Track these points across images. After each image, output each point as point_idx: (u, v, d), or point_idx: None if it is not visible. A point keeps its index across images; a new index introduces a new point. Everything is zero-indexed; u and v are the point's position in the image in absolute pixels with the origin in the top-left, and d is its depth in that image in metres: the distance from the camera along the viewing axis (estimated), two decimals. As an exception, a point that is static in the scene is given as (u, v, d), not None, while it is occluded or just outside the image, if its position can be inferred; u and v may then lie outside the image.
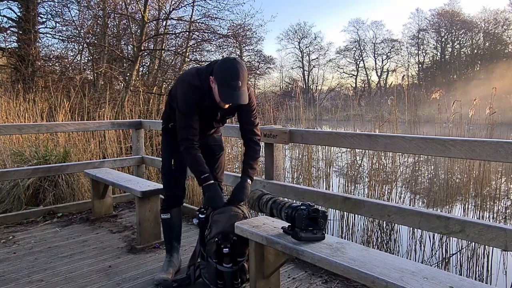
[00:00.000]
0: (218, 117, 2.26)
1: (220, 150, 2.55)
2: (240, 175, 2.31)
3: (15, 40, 10.89)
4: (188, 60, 12.31)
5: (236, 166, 6.18)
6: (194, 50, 12.74)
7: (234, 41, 13.72)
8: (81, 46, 11.38)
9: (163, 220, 2.47)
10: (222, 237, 2.00)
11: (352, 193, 4.82)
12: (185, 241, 3.06)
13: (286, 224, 1.88)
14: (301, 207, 1.76)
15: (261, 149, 2.56)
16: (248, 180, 2.24)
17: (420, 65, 37.75)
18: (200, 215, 2.16)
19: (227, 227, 2.04)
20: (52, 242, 3.08)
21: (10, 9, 10.86)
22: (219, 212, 2.12)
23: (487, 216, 4.15)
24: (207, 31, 11.90)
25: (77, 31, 11.18)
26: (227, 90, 1.99)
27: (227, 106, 2.15)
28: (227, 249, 1.98)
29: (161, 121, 2.48)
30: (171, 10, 11.25)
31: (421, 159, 5.99)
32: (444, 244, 3.73)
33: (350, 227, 4.24)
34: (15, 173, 3.70)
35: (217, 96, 2.08)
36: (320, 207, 1.95)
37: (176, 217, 2.47)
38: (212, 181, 2.13)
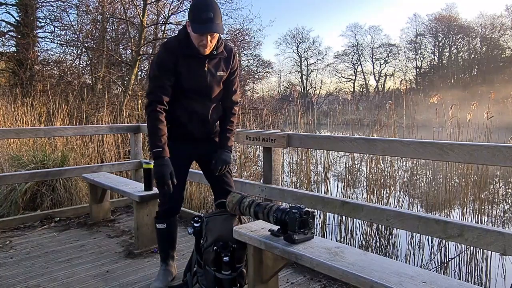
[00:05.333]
0: (205, 68, 2.07)
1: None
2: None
3: (13, 44, 10.91)
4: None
5: (234, 170, 6.18)
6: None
7: (233, 45, 13.77)
8: (79, 51, 11.40)
9: (158, 229, 2.34)
10: (221, 246, 1.99)
11: (350, 197, 4.82)
12: (184, 245, 3.05)
13: (274, 227, 1.89)
14: (292, 210, 1.77)
15: (260, 153, 2.56)
16: (228, 152, 2.24)
17: (417, 70, 37.93)
18: (195, 224, 2.15)
19: (223, 233, 2.03)
20: (49, 247, 3.06)
21: (9, 13, 10.88)
22: (212, 220, 2.09)
23: (486, 220, 4.15)
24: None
25: (76, 36, 11.20)
26: (196, 25, 1.91)
27: (208, 51, 2.01)
28: (227, 258, 1.97)
29: None
30: (169, 14, 11.29)
31: (419, 163, 6.00)
32: (442, 248, 3.73)
33: (349, 232, 4.23)
34: (13, 177, 3.68)
35: (194, 38, 1.97)
36: (315, 210, 1.95)
37: (172, 226, 2.36)
38: (164, 157, 1.99)
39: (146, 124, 2.18)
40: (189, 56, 2.03)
